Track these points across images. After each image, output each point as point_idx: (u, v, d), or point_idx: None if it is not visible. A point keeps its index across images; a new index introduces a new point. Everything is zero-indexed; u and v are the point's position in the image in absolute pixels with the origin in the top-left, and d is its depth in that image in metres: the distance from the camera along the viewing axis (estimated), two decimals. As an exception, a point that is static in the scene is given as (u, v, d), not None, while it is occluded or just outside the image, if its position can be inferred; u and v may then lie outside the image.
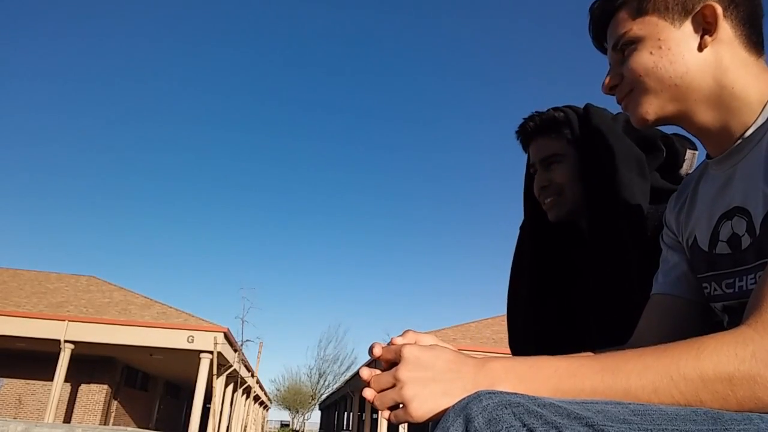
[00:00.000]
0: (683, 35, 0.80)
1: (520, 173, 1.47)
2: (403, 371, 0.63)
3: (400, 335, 0.73)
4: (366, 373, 0.68)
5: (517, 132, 1.41)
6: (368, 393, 0.67)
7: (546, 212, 1.34)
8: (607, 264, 1.21)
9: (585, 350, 0.82)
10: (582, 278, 1.33)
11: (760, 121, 0.77)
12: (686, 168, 1.31)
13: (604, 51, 0.94)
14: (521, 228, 1.49)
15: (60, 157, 49.71)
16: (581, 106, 1.34)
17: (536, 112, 1.36)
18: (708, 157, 0.88)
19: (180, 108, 62.43)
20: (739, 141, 0.79)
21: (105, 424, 21.05)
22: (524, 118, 1.38)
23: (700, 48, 0.79)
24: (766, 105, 0.77)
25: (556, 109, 1.35)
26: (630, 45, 0.84)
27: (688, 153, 1.31)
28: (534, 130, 1.35)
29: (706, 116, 0.81)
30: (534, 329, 1.38)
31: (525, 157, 1.42)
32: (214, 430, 18.53)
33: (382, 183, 77.88)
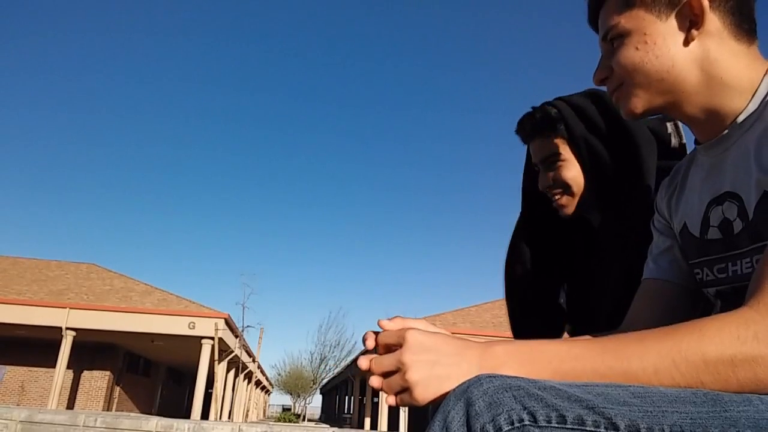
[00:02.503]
0: (669, 29, 0.79)
1: (516, 162, 1.44)
2: (407, 355, 0.64)
3: (389, 320, 0.72)
4: (364, 363, 0.68)
5: (516, 132, 1.36)
6: (375, 381, 0.67)
7: (556, 208, 1.29)
8: (625, 256, 1.16)
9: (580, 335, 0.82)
10: (584, 264, 1.32)
11: (751, 108, 0.76)
12: (676, 141, 1.27)
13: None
14: (521, 215, 1.46)
15: (60, 146, 49.59)
16: (579, 92, 1.29)
17: (531, 109, 1.31)
18: (696, 143, 0.88)
19: (180, 100, 62.16)
20: (728, 128, 0.79)
21: (108, 410, 21.24)
22: (520, 119, 1.33)
23: (687, 41, 0.78)
24: (756, 92, 0.76)
25: (548, 103, 1.29)
26: (618, 38, 0.83)
27: (669, 126, 1.27)
28: (530, 133, 1.30)
29: (695, 106, 0.81)
30: (537, 312, 1.36)
31: (519, 148, 1.37)
32: (216, 414, 18.71)
33: (383, 170, 77.83)
